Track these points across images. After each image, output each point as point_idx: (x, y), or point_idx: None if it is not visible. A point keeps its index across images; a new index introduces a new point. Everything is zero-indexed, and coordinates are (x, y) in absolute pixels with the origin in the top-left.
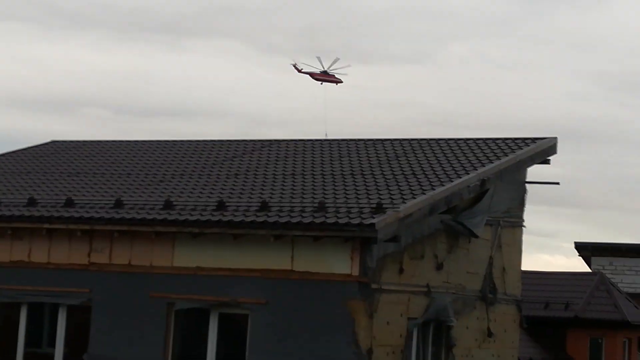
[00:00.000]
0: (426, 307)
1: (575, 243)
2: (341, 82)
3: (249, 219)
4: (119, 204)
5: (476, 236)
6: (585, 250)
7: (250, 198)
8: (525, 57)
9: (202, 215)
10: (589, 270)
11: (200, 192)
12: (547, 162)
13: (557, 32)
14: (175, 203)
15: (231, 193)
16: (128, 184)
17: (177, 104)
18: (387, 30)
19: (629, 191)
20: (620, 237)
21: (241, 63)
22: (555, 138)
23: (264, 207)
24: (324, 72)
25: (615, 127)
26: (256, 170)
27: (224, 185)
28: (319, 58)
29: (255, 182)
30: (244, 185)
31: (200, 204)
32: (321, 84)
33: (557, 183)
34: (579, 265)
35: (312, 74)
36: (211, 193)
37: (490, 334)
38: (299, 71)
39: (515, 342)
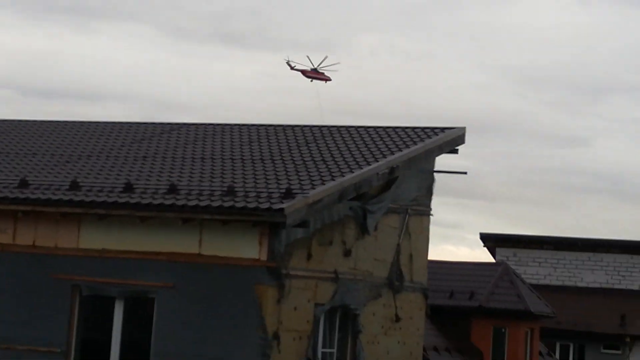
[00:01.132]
0: (333, 293)
1: (480, 234)
2: (330, 79)
3: (156, 202)
4: (23, 184)
5: (367, 230)
6: (489, 241)
7: (159, 181)
8: (434, 48)
9: (109, 197)
10: (494, 261)
11: (108, 174)
12: (455, 151)
13: (465, 25)
14: (81, 184)
15: (139, 175)
16: (33, 164)
17: (85, 87)
18: (298, 17)
19: (533, 183)
20: (524, 228)
21: (150, 47)
22: (464, 128)
23: (173, 190)
24: (314, 70)
25: (520, 119)
26: (165, 153)
27: (132, 167)
28: (308, 57)
29: (163, 165)
30: (152, 167)
31: (108, 186)
32: (311, 81)
33: (465, 173)
34: (482, 256)
35: (303, 72)
36: (119, 175)
37: (398, 318)
38: (292, 68)
39: (421, 330)
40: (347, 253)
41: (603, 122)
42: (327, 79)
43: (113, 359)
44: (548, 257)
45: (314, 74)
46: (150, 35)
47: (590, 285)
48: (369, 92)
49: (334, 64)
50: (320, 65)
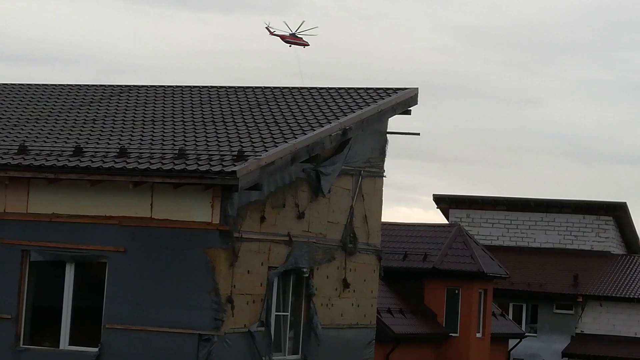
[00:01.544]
0: (287, 256)
1: (434, 195)
2: (308, 44)
3: (107, 165)
4: None
5: (321, 191)
6: (443, 202)
7: (109, 144)
8: (387, 9)
9: (58, 160)
10: (447, 222)
11: (57, 138)
12: (408, 112)
13: None
14: (30, 148)
15: (89, 139)
16: None
17: (34, 49)
18: None
19: (486, 145)
20: (478, 190)
21: (100, 8)
22: (417, 89)
23: (123, 153)
24: (293, 35)
25: (475, 81)
26: (115, 116)
27: (82, 130)
28: (285, 22)
29: (114, 128)
30: (102, 131)
31: (57, 150)
32: (290, 46)
33: (418, 134)
34: (437, 218)
35: (282, 37)
36: (68, 138)
37: (346, 284)
38: (271, 33)
39: (375, 292)
40: (300, 216)
41: (556, 83)
42: (305, 44)
43: (64, 324)
44: (501, 218)
45: (293, 39)
46: None
47: (543, 246)
48: (322, 53)
49: (311, 29)
50: (299, 31)
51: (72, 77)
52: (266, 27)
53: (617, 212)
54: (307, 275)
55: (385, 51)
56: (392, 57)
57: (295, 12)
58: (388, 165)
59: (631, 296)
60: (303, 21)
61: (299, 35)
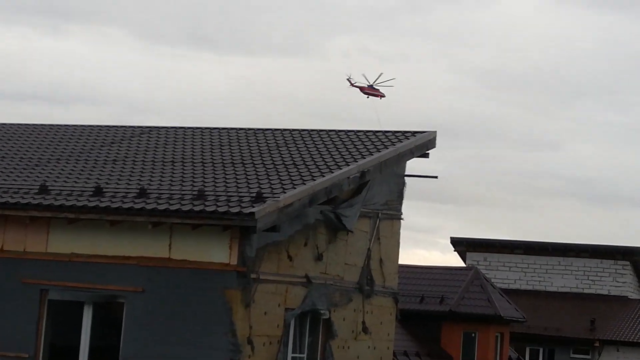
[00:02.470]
0: (304, 297)
1: (451, 238)
2: (384, 96)
3: (126, 205)
4: None
5: (347, 230)
6: (460, 245)
7: (129, 184)
8: (406, 50)
9: (78, 200)
10: (464, 265)
11: (77, 178)
12: (426, 155)
13: (436, 27)
14: (50, 188)
15: (109, 179)
16: (2, 167)
17: (55, 90)
18: (269, 19)
19: (504, 187)
20: (495, 233)
21: (121, 49)
22: (435, 132)
23: (142, 193)
24: (370, 87)
25: (492, 123)
26: (135, 157)
27: (102, 171)
28: (364, 75)
29: (133, 168)
30: (122, 171)
31: (77, 189)
32: (367, 97)
33: (436, 177)
34: (454, 260)
35: (361, 88)
36: (88, 178)
37: (365, 329)
38: (351, 84)
39: (391, 335)
40: (318, 257)
41: (574, 126)
42: (382, 95)
43: None
44: (518, 262)
45: (370, 91)
46: (121, 37)
47: (560, 290)
48: (342, 95)
49: (389, 80)
50: (377, 82)
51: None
52: (347, 79)
53: (634, 256)
54: (326, 317)
55: (403, 93)
56: (411, 99)
57: (314, 52)
58: (406, 207)
59: None
60: (381, 73)
61: (376, 87)
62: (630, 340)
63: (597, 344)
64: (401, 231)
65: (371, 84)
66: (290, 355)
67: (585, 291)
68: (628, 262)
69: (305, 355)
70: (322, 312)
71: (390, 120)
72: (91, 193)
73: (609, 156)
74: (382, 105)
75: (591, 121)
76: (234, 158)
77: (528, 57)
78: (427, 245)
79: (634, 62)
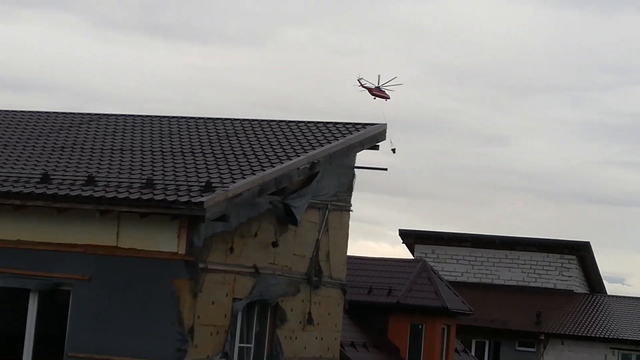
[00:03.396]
0: (252, 288)
1: (400, 230)
2: (389, 98)
3: (74, 193)
4: None
5: (295, 221)
6: (408, 237)
7: (77, 172)
8: (362, 43)
9: (25, 187)
10: (412, 257)
11: (25, 164)
12: (376, 148)
13: (392, 20)
14: None
15: (57, 166)
16: None
17: (7, 76)
18: (224, 9)
19: (455, 181)
20: (445, 226)
21: (75, 36)
22: (385, 124)
23: (90, 181)
24: (378, 88)
25: (446, 117)
26: (83, 144)
27: (50, 158)
28: (379, 76)
29: (82, 156)
30: (70, 158)
31: (24, 176)
32: (374, 98)
33: (385, 169)
34: (402, 252)
35: (370, 90)
36: (36, 165)
37: (310, 320)
38: (362, 85)
39: (339, 326)
40: (267, 248)
41: (526, 121)
42: (386, 97)
43: (26, 352)
44: (466, 255)
45: (378, 92)
46: (74, 24)
47: (507, 283)
48: (295, 86)
49: (396, 84)
50: (385, 85)
51: (46, 104)
52: (358, 79)
53: (580, 251)
54: (273, 305)
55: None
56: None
57: (270, 43)
58: (356, 199)
59: (592, 335)
60: (395, 77)
61: (382, 89)
62: (575, 334)
63: (542, 337)
64: (350, 223)
65: (378, 85)
66: (237, 345)
67: (532, 285)
68: (574, 257)
69: (252, 345)
70: (270, 302)
71: (344, 112)
72: (38, 180)
73: (559, 152)
74: (336, 98)
75: (543, 117)
76: (183, 147)
77: (482, 52)
78: (376, 237)
79: (587, 58)
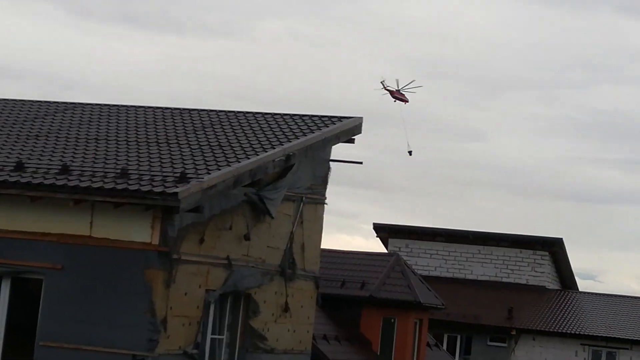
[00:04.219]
0: (225, 279)
1: (374, 224)
2: (408, 101)
3: (48, 182)
4: None
5: (270, 213)
6: (382, 231)
7: (51, 161)
8: (338, 37)
9: None
10: (386, 251)
11: None
12: (351, 141)
13: (368, 14)
14: None
15: (31, 154)
16: None
17: None
18: (201, 1)
19: (429, 176)
20: (419, 220)
21: (50, 24)
22: (361, 118)
23: (65, 170)
24: (398, 92)
25: (420, 112)
26: (58, 133)
27: (24, 146)
28: (397, 80)
29: (56, 144)
30: (44, 147)
31: None
32: (395, 101)
33: (360, 162)
34: (376, 246)
35: (391, 93)
36: (10, 153)
37: (287, 308)
38: (384, 88)
39: (311, 318)
40: (241, 239)
41: (500, 117)
42: (406, 101)
43: None
44: (439, 249)
45: (398, 95)
46: (50, 12)
47: (480, 278)
48: (270, 78)
49: (415, 87)
50: (405, 88)
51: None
52: (381, 82)
53: (553, 247)
54: (246, 297)
55: (334, 79)
56: (341, 85)
57: (245, 35)
58: (332, 193)
59: (563, 331)
60: (413, 80)
61: (402, 92)
62: (546, 329)
63: (513, 333)
64: (325, 216)
65: (399, 89)
66: (209, 336)
67: (504, 280)
68: (547, 253)
69: (224, 336)
70: (243, 293)
71: (319, 105)
72: (12, 168)
73: (533, 148)
74: (312, 90)
75: (517, 113)
76: (159, 137)
77: (458, 48)
78: (351, 230)
79: (561, 56)
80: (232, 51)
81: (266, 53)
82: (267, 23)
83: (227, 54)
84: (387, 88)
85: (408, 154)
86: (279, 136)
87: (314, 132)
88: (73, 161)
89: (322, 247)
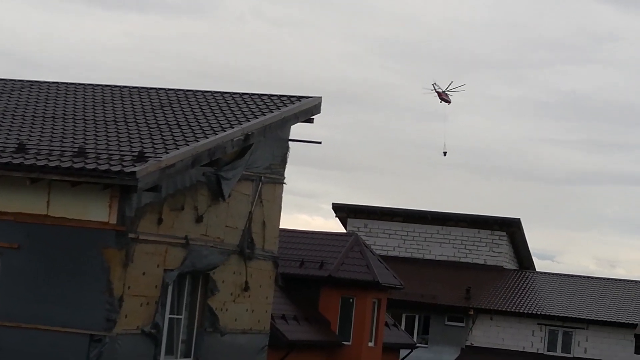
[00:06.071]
0: (183, 259)
1: (333, 204)
2: (450, 102)
3: (4, 160)
4: None
5: (223, 197)
6: (341, 211)
7: (7, 139)
8: (303, 16)
9: None
10: (345, 231)
11: None
12: (310, 121)
13: None
14: None
15: None
16: None
17: None
18: None
19: (390, 156)
20: (378, 200)
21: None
22: (320, 98)
23: (21, 149)
24: (444, 93)
25: (382, 92)
26: (14, 111)
27: None
28: (451, 82)
29: (13, 123)
30: (0, 125)
31: None
32: (440, 102)
33: (319, 142)
34: (336, 226)
35: (439, 94)
36: None
37: (247, 287)
38: (435, 90)
39: (270, 298)
40: (198, 219)
41: (463, 97)
42: (449, 102)
43: None
44: (398, 229)
45: (444, 97)
46: None
47: (438, 258)
48: (234, 57)
49: (459, 86)
50: (449, 89)
51: None
52: (433, 84)
53: (511, 227)
54: (204, 276)
55: (298, 58)
56: (305, 64)
57: (211, 15)
58: (291, 172)
59: (521, 311)
60: (452, 81)
61: (447, 93)
62: (504, 309)
63: (471, 312)
64: (284, 196)
65: (444, 90)
66: (167, 316)
67: (462, 260)
68: (505, 233)
69: (183, 316)
70: (202, 273)
71: (281, 84)
72: None
73: (494, 128)
74: (274, 70)
75: (480, 93)
76: (116, 116)
77: (421, 28)
78: (310, 210)
79: (524, 35)
80: (195, 30)
81: (229, 32)
82: (230, 2)
83: (190, 32)
84: (437, 90)
85: (443, 154)
86: (237, 116)
87: (272, 112)
88: (30, 140)
89: (281, 227)
